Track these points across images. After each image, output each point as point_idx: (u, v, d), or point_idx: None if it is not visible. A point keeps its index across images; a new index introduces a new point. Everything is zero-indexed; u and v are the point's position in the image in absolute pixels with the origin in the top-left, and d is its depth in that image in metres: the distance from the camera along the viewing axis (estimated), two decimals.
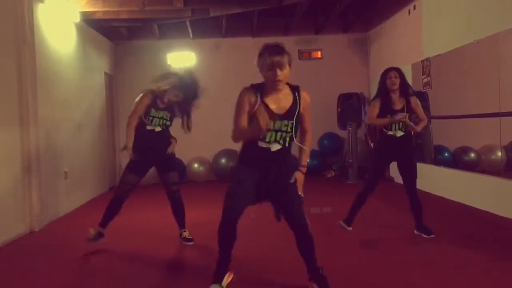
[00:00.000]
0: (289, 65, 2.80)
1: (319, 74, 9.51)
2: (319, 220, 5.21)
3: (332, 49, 9.63)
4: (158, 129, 4.22)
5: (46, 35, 5.78)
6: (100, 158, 7.97)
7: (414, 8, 7.36)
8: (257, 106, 2.78)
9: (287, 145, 2.87)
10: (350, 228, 4.39)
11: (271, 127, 2.78)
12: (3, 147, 4.72)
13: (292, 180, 2.91)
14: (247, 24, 8.96)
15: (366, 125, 4.50)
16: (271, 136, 2.81)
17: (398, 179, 7.52)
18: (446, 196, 6.24)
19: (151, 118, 4.18)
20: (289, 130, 2.82)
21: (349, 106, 8.58)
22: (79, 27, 7.02)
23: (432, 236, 4.22)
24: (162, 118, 4.21)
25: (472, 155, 6.17)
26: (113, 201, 4.25)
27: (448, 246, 3.99)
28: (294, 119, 2.83)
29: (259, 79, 2.95)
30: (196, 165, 9.09)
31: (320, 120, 9.34)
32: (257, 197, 2.92)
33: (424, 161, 6.96)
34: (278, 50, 2.76)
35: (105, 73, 8.49)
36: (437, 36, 6.67)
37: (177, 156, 8.68)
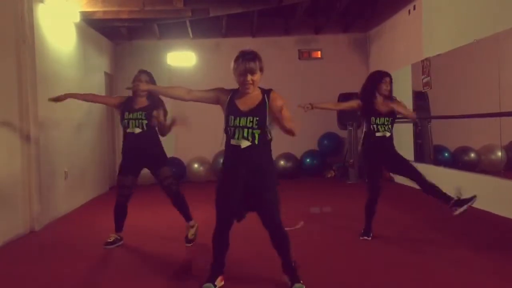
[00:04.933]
0: (261, 70, 2.99)
1: (319, 74, 9.51)
2: (320, 220, 5.21)
3: (332, 49, 9.63)
4: (137, 130, 4.22)
5: (46, 35, 5.78)
6: (100, 158, 7.97)
7: (414, 8, 7.36)
8: (226, 104, 3.02)
9: (257, 142, 2.97)
10: (370, 238, 4.31)
11: (237, 124, 2.96)
12: (3, 147, 4.72)
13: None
14: (247, 24, 8.96)
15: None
16: (238, 133, 2.97)
17: (398, 179, 7.54)
18: None
19: (126, 121, 4.24)
20: (254, 126, 2.95)
21: None
22: (79, 27, 7.02)
23: (475, 198, 3.93)
24: (137, 118, 4.22)
25: (472, 155, 6.17)
26: (116, 206, 4.36)
27: (448, 245, 3.99)
28: (260, 116, 2.95)
29: (264, 80, 3.04)
30: (196, 165, 9.10)
31: (320, 120, 9.34)
32: (243, 204, 3.02)
33: (423, 161, 6.96)
34: (251, 56, 2.96)
35: (105, 73, 8.49)
36: (437, 36, 6.67)
37: (177, 156, 8.83)
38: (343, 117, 8.56)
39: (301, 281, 3.03)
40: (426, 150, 7.18)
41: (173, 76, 9.32)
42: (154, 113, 4.26)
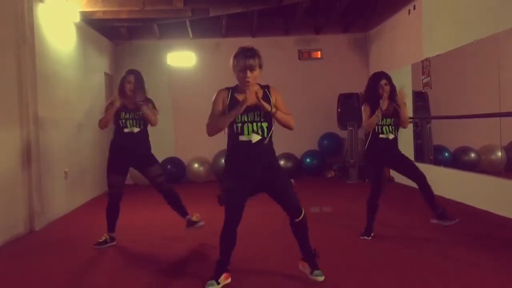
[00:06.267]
0: (260, 67, 3.02)
1: (319, 74, 9.51)
2: (320, 219, 5.21)
3: (332, 49, 9.63)
4: (136, 130, 4.28)
5: (46, 35, 5.78)
6: (100, 158, 7.95)
7: (414, 8, 7.36)
8: (228, 101, 3.06)
9: (265, 135, 3.03)
10: (370, 238, 4.32)
11: (245, 119, 2.98)
12: (3, 147, 4.72)
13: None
14: (247, 24, 8.96)
15: (366, 132, 4.42)
16: (248, 128, 2.99)
17: (398, 179, 7.54)
18: (446, 196, 6.24)
19: (123, 120, 4.27)
20: (262, 119, 3.01)
21: (349, 106, 8.58)
22: (79, 27, 7.02)
23: (457, 220, 4.11)
24: (135, 118, 4.27)
25: (472, 155, 6.17)
26: (108, 207, 4.38)
27: (448, 245, 3.99)
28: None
29: (264, 80, 3.09)
30: (196, 165, 9.09)
31: (320, 120, 9.36)
32: (250, 194, 3.09)
33: (423, 161, 6.96)
34: (251, 53, 2.99)
35: (105, 73, 8.49)
36: (437, 36, 6.67)
37: (177, 156, 8.83)
38: (343, 117, 8.56)
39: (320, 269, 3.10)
40: (425, 150, 7.19)
41: (173, 76, 9.34)
42: (145, 108, 4.28)
